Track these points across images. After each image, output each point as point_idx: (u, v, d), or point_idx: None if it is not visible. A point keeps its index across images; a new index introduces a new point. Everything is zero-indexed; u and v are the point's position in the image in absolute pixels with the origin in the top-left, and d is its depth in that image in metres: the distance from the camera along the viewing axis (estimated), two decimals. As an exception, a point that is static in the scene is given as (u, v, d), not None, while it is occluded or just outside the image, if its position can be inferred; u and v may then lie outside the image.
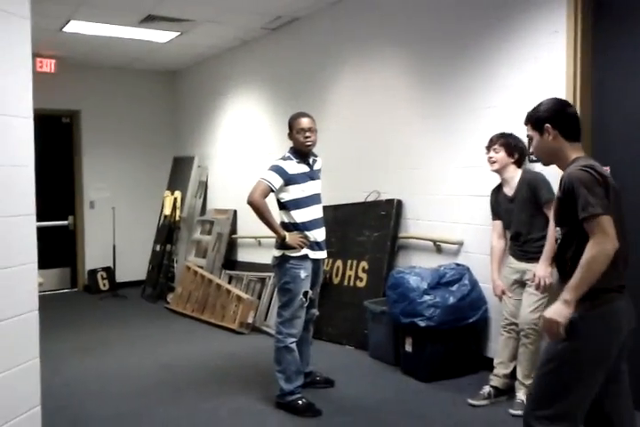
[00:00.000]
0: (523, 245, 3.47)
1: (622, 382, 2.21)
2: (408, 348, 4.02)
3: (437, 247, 4.41)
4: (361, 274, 4.85)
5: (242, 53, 6.66)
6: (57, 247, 7.42)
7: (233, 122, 6.95)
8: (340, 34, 5.25)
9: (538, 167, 3.53)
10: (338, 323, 4.91)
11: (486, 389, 3.57)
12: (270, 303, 5.52)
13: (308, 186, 3.62)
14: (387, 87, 4.81)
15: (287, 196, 3.58)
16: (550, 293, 3.18)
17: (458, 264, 4.15)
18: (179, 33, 6.01)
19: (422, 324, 3.81)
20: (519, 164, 3.56)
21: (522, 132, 3.23)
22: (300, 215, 3.59)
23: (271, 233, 3.62)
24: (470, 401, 3.54)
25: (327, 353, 4.58)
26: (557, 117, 2.21)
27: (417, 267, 4.22)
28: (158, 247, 7.36)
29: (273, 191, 3.54)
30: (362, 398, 3.71)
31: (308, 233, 3.59)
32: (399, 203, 4.70)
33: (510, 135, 3.57)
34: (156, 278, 7.14)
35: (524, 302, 3.41)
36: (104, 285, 7.48)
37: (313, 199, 3.65)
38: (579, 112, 3.45)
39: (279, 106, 6.04)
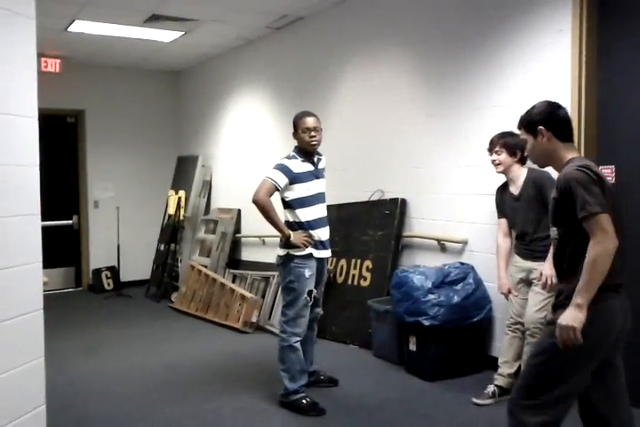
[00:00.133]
0: (529, 244, 3.46)
1: (618, 382, 2.22)
2: (412, 347, 4.01)
3: (442, 246, 4.41)
4: (365, 273, 4.85)
5: (246, 53, 6.66)
6: (61, 247, 7.43)
7: (237, 121, 6.96)
8: (345, 33, 5.25)
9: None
10: (342, 322, 4.91)
11: (491, 388, 3.57)
12: (274, 302, 5.53)
13: (312, 184, 3.62)
14: (391, 87, 4.80)
15: (292, 194, 3.58)
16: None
17: (462, 263, 4.14)
18: (183, 32, 6.02)
19: (426, 323, 3.81)
20: (523, 161, 3.55)
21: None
22: (304, 214, 3.59)
23: (275, 232, 3.62)
24: (475, 400, 3.53)
25: (331, 352, 4.58)
26: (550, 119, 2.24)
27: (421, 266, 4.22)
28: (162, 247, 7.37)
29: (278, 190, 3.54)
30: (366, 398, 3.71)
31: (312, 232, 3.59)
32: (403, 202, 4.70)
33: (509, 134, 3.55)
34: (161, 278, 7.16)
35: (529, 301, 3.40)
36: (108, 284, 7.49)
37: (317, 198, 3.65)
38: (583, 111, 3.48)
39: (283, 105, 6.04)
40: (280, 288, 4.26)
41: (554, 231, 2.23)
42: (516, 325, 3.52)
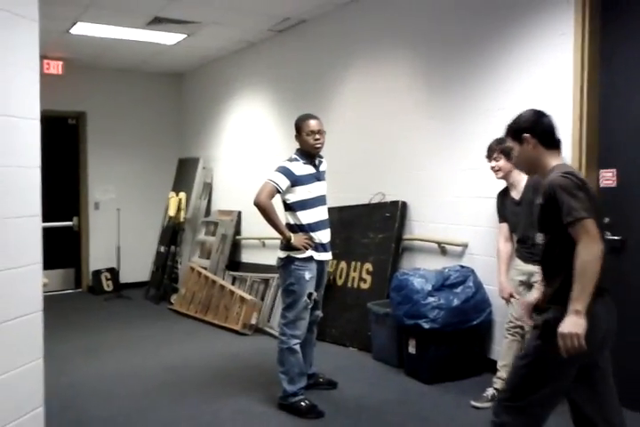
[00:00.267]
0: (531, 247, 3.45)
1: (606, 384, 2.23)
2: (412, 350, 4.01)
3: (442, 249, 4.41)
4: (365, 276, 4.85)
5: (248, 55, 6.67)
6: (61, 248, 7.43)
7: (238, 124, 6.97)
8: (347, 36, 5.26)
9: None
10: (341, 324, 4.91)
11: (489, 391, 3.57)
12: (274, 305, 5.53)
13: (314, 187, 3.62)
14: (393, 89, 4.81)
15: (293, 197, 3.58)
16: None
17: (462, 266, 4.14)
18: (185, 35, 6.03)
19: (426, 326, 3.81)
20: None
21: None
22: (305, 216, 3.59)
23: (275, 234, 3.62)
24: (473, 403, 3.53)
25: (330, 355, 4.58)
26: (535, 127, 2.29)
27: (421, 269, 4.21)
28: (162, 248, 7.38)
29: (279, 192, 3.54)
30: (365, 400, 3.71)
31: (313, 234, 3.59)
32: (404, 205, 4.70)
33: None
34: (160, 279, 7.16)
35: (529, 304, 3.40)
36: (108, 285, 7.50)
37: (319, 200, 3.66)
38: (585, 114, 3.48)
39: (285, 108, 6.05)
40: (280, 290, 4.26)
41: (540, 237, 2.27)
42: (516, 328, 3.52)
